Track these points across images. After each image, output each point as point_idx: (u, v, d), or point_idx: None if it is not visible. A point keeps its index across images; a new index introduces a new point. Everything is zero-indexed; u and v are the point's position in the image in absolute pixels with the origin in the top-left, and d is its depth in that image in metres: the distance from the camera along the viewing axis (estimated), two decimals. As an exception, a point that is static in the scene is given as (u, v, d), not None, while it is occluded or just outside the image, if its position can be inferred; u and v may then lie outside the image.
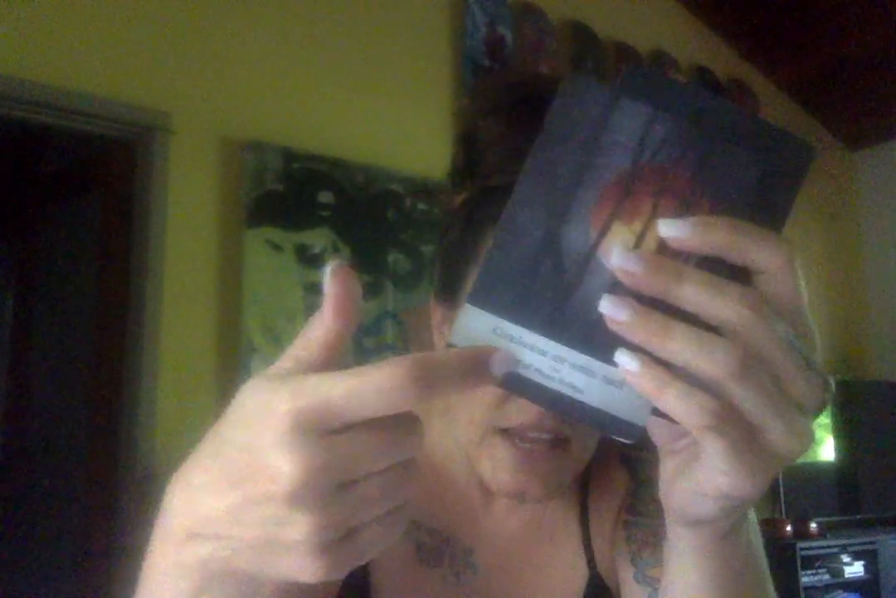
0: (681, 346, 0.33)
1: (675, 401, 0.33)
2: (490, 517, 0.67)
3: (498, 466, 0.58)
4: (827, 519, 3.66)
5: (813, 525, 3.51)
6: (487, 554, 0.66)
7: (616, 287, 0.34)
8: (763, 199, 0.35)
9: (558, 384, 0.34)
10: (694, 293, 0.33)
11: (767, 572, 0.47)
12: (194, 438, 0.36)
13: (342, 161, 2.73)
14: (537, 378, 0.34)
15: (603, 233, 0.34)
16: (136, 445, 2.25)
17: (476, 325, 0.34)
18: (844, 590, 3.48)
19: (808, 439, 0.35)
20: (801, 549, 3.34)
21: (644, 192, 0.34)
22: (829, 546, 3.46)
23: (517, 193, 0.35)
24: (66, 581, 2.49)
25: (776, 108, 4.42)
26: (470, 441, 0.60)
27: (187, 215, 2.46)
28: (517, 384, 0.34)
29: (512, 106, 0.60)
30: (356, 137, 2.83)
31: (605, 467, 0.70)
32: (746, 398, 0.33)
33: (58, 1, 2.32)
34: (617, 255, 0.33)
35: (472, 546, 0.66)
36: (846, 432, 3.89)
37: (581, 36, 3.54)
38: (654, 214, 0.34)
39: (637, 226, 0.34)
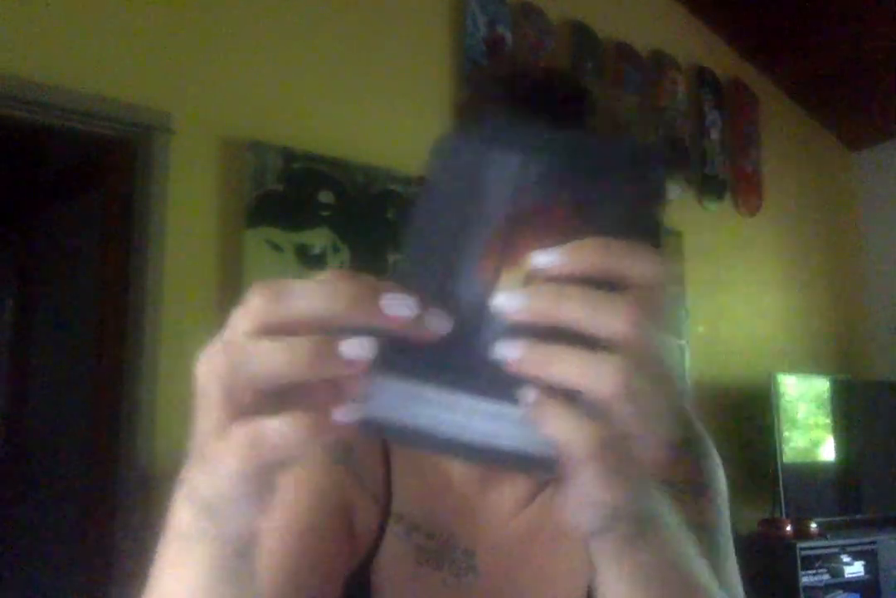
0: (566, 369, 0.34)
1: (559, 432, 0.34)
2: (491, 519, 0.67)
3: None
4: (827, 519, 3.66)
5: (813, 525, 3.50)
6: (488, 557, 0.66)
7: (513, 332, 0.35)
8: (637, 215, 0.36)
9: (473, 435, 0.35)
10: (574, 310, 0.34)
11: (705, 577, 0.46)
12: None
13: (342, 161, 2.73)
14: (452, 432, 0.35)
15: (492, 284, 0.35)
16: (135, 445, 2.25)
17: (388, 392, 0.35)
18: (844, 590, 3.47)
19: (672, 446, 0.36)
20: (801, 549, 3.34)
21: (526, 236, 0.35)
22: (829, 546, 3.46)
23: (405, 256, 0.36)
24: (66, 581, 2.49)
25: (776, 108, 4.42)
26: None
27: (187, 215, 2.46)
28: (430, 441, 0.35)
29: (518, 94, 0.60)
30: (356, 137, 2.83)
31: None
32: (630, 415, 0.34)
33: (58, 1, 2.32)
34: (500, 299, 0.35)
35: (472, 549, 0.66)
36: (846, 432, 3.89)
37: (581, 36, 3.54)
38: None
39: (524, 271, 0.35)
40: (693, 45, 4.05)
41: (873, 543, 3.55)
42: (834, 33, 3.92)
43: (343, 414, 0.34)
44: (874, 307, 4.65)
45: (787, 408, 3.69)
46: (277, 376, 0.34)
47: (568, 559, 0.68)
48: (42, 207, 3.03)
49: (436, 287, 0.35)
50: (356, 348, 0.34)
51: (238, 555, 0.40)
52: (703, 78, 4.06)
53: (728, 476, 0.72)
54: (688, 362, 3.63)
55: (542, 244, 0.35)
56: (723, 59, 4.18)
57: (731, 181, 4.11)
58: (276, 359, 0.34)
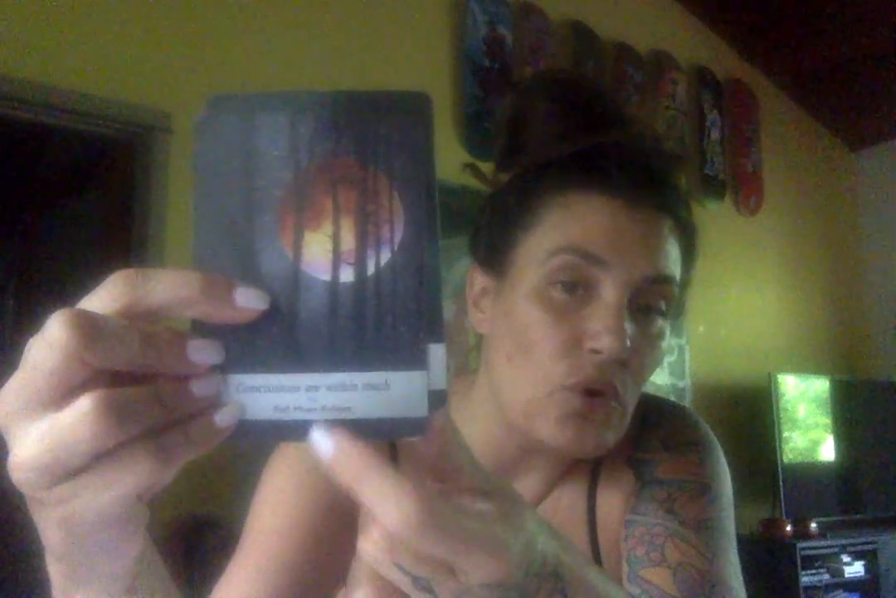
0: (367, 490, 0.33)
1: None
2: None
3: (563, 414, 0.62)
4: (827, 519, 3.66)
5: (813, 525, 3.50)
6: None
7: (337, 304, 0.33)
8: (415, 158, 0.35)
9: (323, 412, 0.33)
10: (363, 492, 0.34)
11: None
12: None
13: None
14: (299, 416, 0.33)
15: (298, 246, 0.34)
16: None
17: (239, 389, 0.33)
18: (844, 590, 3.48)
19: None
20: (801, 549, 3.34)
21: (319, 192, 0.34)
22: (829, 546, 3.46)
23: (198, 243, 0.35)
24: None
25: (776, 108, 4.42)
26: (533, 398, 0.63)
27: (187, 215, 2.45)
28: (275, 431, 0.33)
29: (560, 94, 0.68)
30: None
31: (613, 469, 0.71)
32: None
33: (58, 1, 2.32)
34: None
35: None
36: (846, 432, 3.89)
37: (581, 36, 3.54)
38: (338, 208, 0.34)
39: (327, 227, 0.34)
40: (693, 45, 4.05)
41: (873, 543, 3.55)
42: (834, 33, 3.92)
43: (221, 419, 0.32)
44: (874, 307, 4.65)
45: (786, 408, 3.69)
46: (129, 358, 0.31)
47: None
48: (42, 206, 3.03)
49: (242, 266, 0.34)
50: (209, 348, 0.33)
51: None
52: (703, 78, 4.06)
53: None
54: (688, 362, 3.63)
55: (339, 196, 0.34)
56: (723, 59, 4.18)
57: (731, 181, 4.11)
58: (133, 339, 0.31)
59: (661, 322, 0.66)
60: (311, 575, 0.66)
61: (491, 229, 0.69)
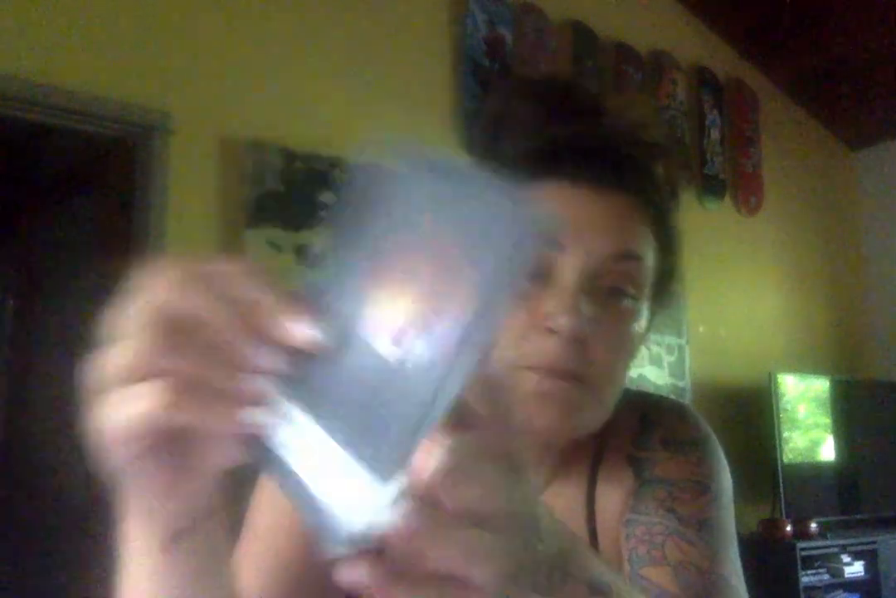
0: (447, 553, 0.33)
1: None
2: None
3: (521, 396, 0.62)
4: (827, 519, 3.66)
5: (813, 525, 3.50)
6: None
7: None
8: (505, 271, 0.32)
9: (310, 476, 0.33)
10: (445, 553, 0.32)
11: None
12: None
13: (343, 160, 2.73)
14: (295, 464, 0.33)
15: (371, 316, 0.33)
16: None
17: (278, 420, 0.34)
18: (844, 590, 3.48)
19: None
20: (801, 549, 3.34)
21: (406, 264, 0.33)
22: (829, 546, 3.46)
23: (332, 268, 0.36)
24: (66, 581, 2.49)
25: (776, 108, 4.42)
26: None
27: (187, 215, 2.46)
28: (276, 468, 0.34)
29: (535, 91, 0.71)
30: (356, 137, 2.82)
31: (612, 468, 0.71)
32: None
33: (58, 1, 2.32)
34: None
35: None
36: (846, 432, 3.89)
37: (581, 36, 3.54)
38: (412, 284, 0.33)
39: (396, 297, 0.33)
40: (693, 45, 4.05)
41: (873, 543, 3.55)
42: (834, 33, 3.92)
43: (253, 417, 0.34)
44: (874, 307, 4.65)
45: (786, 408, 3.69)
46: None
47: None
48: (42, 207, 3.03)
49: (334, 309, 0.34)
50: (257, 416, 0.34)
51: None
52: (703, 78, 4.06)
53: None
54: (688, 362, 3.63)
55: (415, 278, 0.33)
56: (723, 59, 4.18)
57: (731, 181, 4.11)
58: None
59: (629, 304, 0.66)
60: (311, 574, 0.66)
61: None
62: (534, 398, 0.62)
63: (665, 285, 0.71)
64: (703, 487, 0.68)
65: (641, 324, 0.68)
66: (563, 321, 0.61)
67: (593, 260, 0.63)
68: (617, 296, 0.65)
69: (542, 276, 0.64)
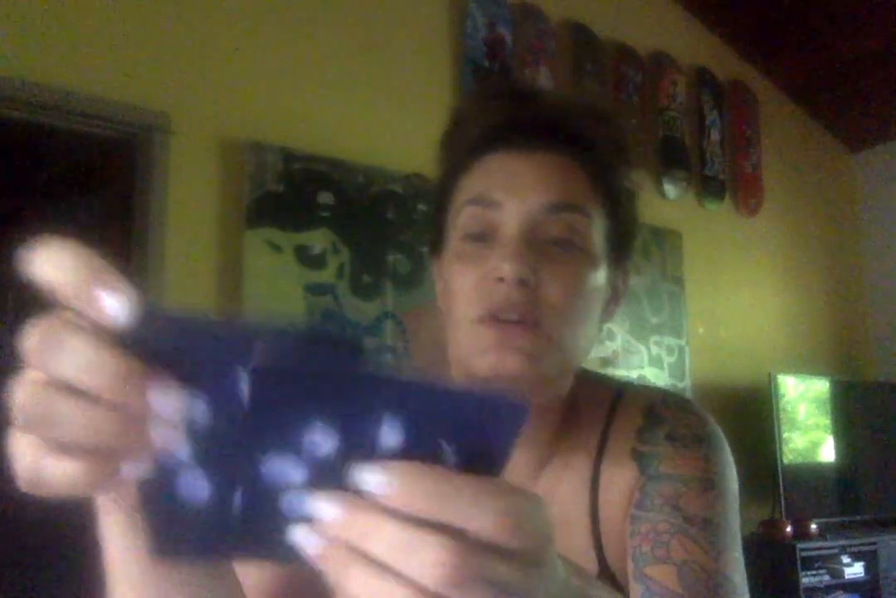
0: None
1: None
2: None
3: (482, 348, 0.65)
4: (827, 520, 3.66)
5: (813, 526, 3.50)
6: None
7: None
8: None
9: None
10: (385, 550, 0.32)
11: None
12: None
13: (342, 161, 2.73)
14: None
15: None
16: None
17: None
18: (844, 591, 3.47)
19: None
20: (801, 549, 3.34)
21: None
22: (828, 547, 3.46)
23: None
24: (65, 581, 2.49)
25: (776, 108, 4.42)
26: (460, 341, 0.68)
27: (187, 216, 2.46)
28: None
29: (491, 91, 0.77)
30: (356, 138, 2.82)
31: (617, 462, 0.71)
32: None
33: (58, 1, 2.32)
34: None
35: None
36: (846, 432, 3.89)
37: (581, 36, 3.54)
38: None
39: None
40: (693, 45, 4.05)
41: (873, 544, 3.55)
42: (834, 34, 3.92)
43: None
44: (874, 308, 4.65)
45: (786, 409, 3.69)
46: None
47: (575, 549, 0.68)
48: (42, 207, 3.03)
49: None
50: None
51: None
52: (703, 78, 4.06)
53: (730, 476, 0.72)
54: (687, 363, 3.63)
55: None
56: (723, 60, 4.18)
57: (731, 181, 4.11)
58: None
59: (578, 254, 0.68)
60: (310, 572, 0.66)
61: (432, 217, 0.76)
62: (493, 348, 0.64)
63: (622, 243, 0.73)
64: (708, 483, 0.68)
65: (599, 277, 0.70)
66: (506, 267, 0.64)
67: (529, 210, 0.67)
68: (563, 246, 0.68)
69: (486, 236, 0.68)
